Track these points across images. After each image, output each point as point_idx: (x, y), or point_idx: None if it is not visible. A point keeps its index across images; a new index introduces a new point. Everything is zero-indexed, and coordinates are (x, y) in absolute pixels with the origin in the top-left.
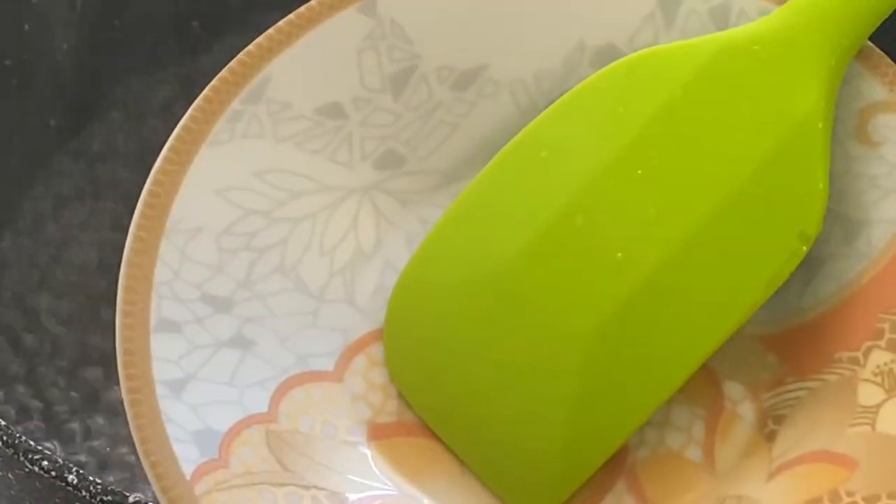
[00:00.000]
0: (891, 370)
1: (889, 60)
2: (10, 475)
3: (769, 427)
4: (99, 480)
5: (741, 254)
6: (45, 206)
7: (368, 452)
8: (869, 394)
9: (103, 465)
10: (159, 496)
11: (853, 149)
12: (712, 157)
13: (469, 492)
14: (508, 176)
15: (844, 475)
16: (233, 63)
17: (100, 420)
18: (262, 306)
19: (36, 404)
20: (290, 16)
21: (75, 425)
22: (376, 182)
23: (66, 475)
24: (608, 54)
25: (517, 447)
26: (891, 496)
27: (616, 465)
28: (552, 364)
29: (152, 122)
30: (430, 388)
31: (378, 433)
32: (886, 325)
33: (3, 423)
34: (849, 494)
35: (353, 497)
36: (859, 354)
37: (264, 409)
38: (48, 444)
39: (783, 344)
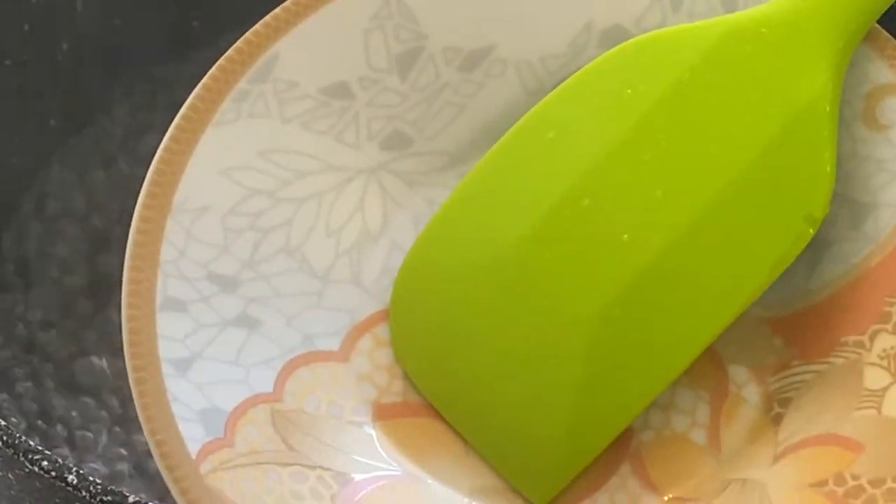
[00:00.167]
0: None
1: None
2: (10, 475)
3: (775, 410)
4: (99, 480)
5: (747, 236)
6: (45, 206)
7: (373, 433)
8: (875, 377)
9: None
10: (164, 474)
11: (861, 132)
12: (719, 140)
13: (474, 472)
14: (515, 157)
15: (850, 458)
16: (239, 43)
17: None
18: (267, 286)
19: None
20: None
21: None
22: (383, 163)
23: (66, 475)
24: (615, 36)
25: (522, 429)
26: None
27: (621, 447)
28: (557, 346)
29: (153, 122)
30: (435, 369)
31: (383, 413)
32: (893, 309)
33: (2, 423)
34: (854, 478)
35: (358, 477)
36: (865, 338)
37: (270, 388)
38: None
39: (789, 327)
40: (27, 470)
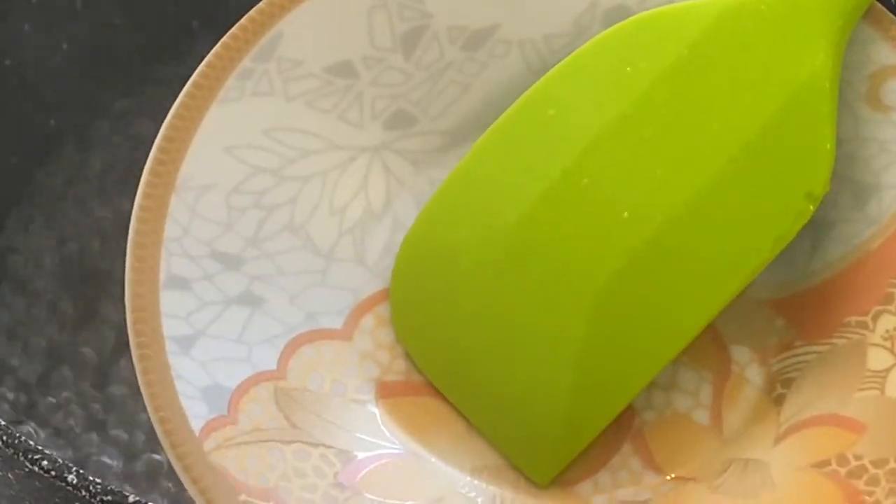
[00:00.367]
0: None
1: None
2: (10, 475)
3: (777, 391)
4: (98, 480)
5: (748, 214)
6: (45, 206)
7: (376, 411)
8: (878, 358)
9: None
10: (168, 452)
11: (864, 113)
12: (719, 117)
13: (476, 451)
14: (515, 135)
15: (852, 439)
16: (243, 20)
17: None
18: (270, 264)
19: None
20: None
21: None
22: (386, 142)
23: (66, 475)
24: (619, 15)
25: (522, 408)
26: None
27: (623, 427)
28: (557, 325)
29: (153, 122)
30: (436, 348)
31: (386, 392)
32: None
33: (2, 423)
34: (857, 458)
35: (360, 455)
36: (868, 319)
37: (273, 366)
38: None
39: (792, 308)
40: (27, 470)
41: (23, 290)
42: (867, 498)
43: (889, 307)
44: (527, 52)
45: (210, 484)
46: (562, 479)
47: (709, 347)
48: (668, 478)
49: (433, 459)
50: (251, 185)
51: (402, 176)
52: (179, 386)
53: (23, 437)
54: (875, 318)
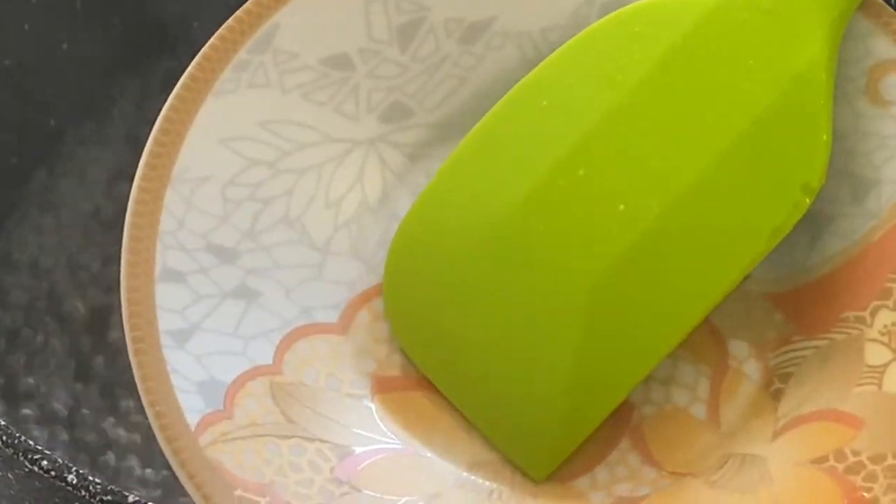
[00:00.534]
0: None
1: None
2: (10, 475)
3: (775, 385)
4: (98, 480)
5: (744, 205)
6: (45, 206)
7: (373, 406)
8: (876, 353)
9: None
10: (163, 446)
11: (864, 107)
12: (714, 108)
13: (473, 446)
14: (510, 124)
15: (850, 434)
16: (239, 12)
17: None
18: (266, 257)
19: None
20: None
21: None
22: (382, 134)
23: (65, 475)
24: (616, 8)
25: (519, 403)
26: None
27: (621, 422)
28: (553, 317)
29: (152, 123)
30: (431, 341)
31: (382, 387)
32: (895, 285)
33: (2, 423)
34: (854, 454)
35: (357, 450)
36: (866, 314)
37: (269, 360)
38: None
39: (790, 303)
40: (27, 470)
41: (24, 290)
42: (865, 494)
43: (887, 302)
44: (524, 46)
45: (206, 479)
46: (559, 474)
47: (707, 342)
48: (666, 472)
49: (430, 455)
50: (247, 177)
51: (398, 169)
52: (175, 380)
53: (23, 437)
54: (873, 314)
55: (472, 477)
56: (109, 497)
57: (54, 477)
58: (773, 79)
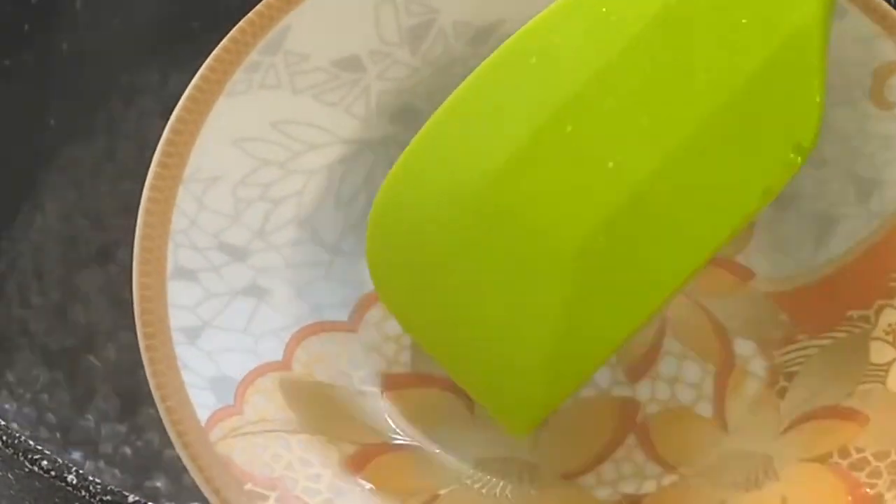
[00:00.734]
0: None
1: None
2: (10, 475)
3: (780, 384)
4: (98, 480)
5: (735, 164)
6: (45, 206)
7: (381, 402)
8: (880, 351)
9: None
10: (175, 441)
11: (868, 109)
12: (706, 66)
13: (480, 442)
14: (497, 82)
15: (854, 431)
16: (251, 14)
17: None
18: (277, 256)
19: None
20: None
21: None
22: (392, 136)
23: (65, 475)
24: None
25: (502, 360)
26: None
27: (627, 419)
28: (537, 275)
29: (152, 123)
30: (415, 299)
31: (391, 383)
32: None
33: (2, 422)
34: (858, 450)
35: (366, 446)
36: (871, 313)
37: (279, 357)
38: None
39: (795, 302)
40: (27, 470)
41: (25, 290)
42: (869, 490)
43: (891, 301)
44: None
45: (216, 473)
46: (565, 470)
47: (712, 341)
48: (672, 470)
49: (438, 451)
50: (258, 177)
51: None
52: (186, 376)
53: (23, 437)
54: (878, 313)
55: (480, 473)
56: (109, 497)
57: (54, 477)
58: (767, 38)
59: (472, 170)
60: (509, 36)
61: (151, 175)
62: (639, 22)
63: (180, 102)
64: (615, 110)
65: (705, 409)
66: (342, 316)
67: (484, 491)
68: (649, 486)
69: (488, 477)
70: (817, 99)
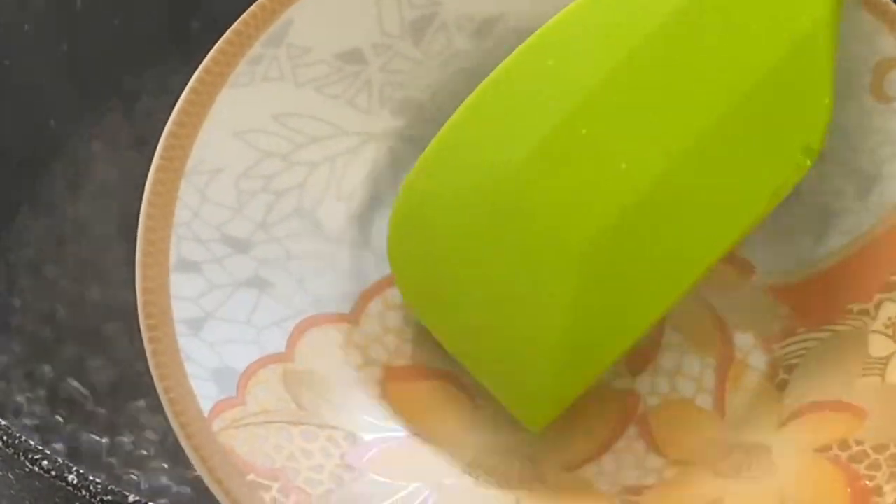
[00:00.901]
0: None
1: None
2: (10, 475)
3: (780, 377)
4: (98, 480)
5: (745, 166)
6: (45, 205)
7: (383, 394)
8: (880, 345)
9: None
10: (177, 431)
11: (868, 104)
12: (717, 69)
13: (481, 434)
14: (513, 85)
15: (854, 424)
16: (254, 7)
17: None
18: (279, 248)
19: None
20: None
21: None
22: (395, 128)
23: (66, 475)
24: None
25: (517, 355)
26: None
27: (627, 411)
28: (552, 272)
29: (152, 122)
30: (433, 295)
31: (393, 376)
32: None
33: (2, 422)
34: (858, 443)
35: (367, 437)
36: (871, 306)
37: (281, 348)
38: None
39: (795, 296)
40: (27, 470)
41: (25, 290)
42: (868, 482)
43: (891, 295)
44: None
45: (218, 463)
46: (566, 461)
47: (713, 334)
48: (672, 462)
49: (440, 442)
50: (260, 169)
51: (410, 162)
52: (189, 367)
53: (23, 437)
54: (877, 306)
55: (481, 464)
56: (109, 497)
57: (54, 477)
58: (777, 41)
59: (490, 169)
60: (511, 30)
61: (154, 167)
62: (651, 25)
63: (183, 94)
64: (628, 112)
65: (705, 402)
66: (344, 308)
67: (484, 482)
68: (650, 478)
69: (491, 467)
70: (826, 101)
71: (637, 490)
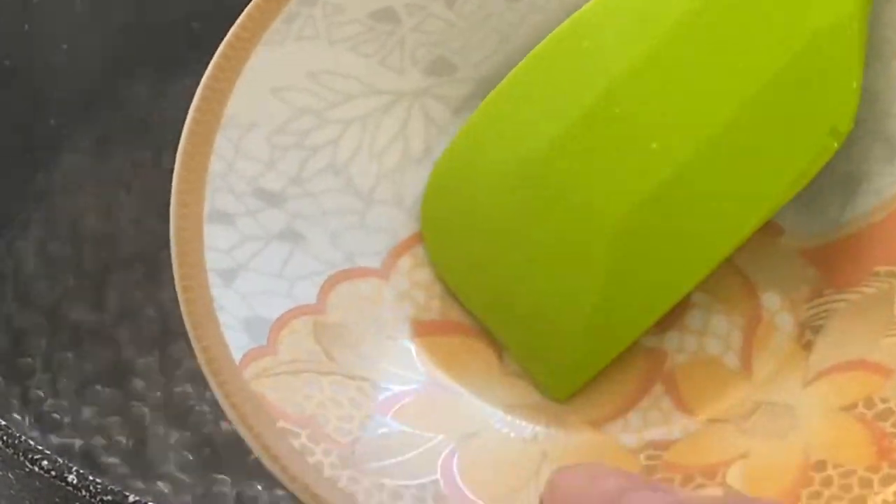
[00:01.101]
0: None
1: None
2: (10, 475)
3: (806, 337)
4: (99, 480)
5: (773, 147)
6: (45, 205)
7: (411, 348)
8: None
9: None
10: (210, 380)
11: None
12: (748, 50)
13: (510, 388)
14: (549, 65)
15: (879, 383)
16: None
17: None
18: (312, 203)
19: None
20: None
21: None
22: (426, 88)
23: (65, 475)
24: None
25: (546, 327)
26: None
27: (654, 368)
28: (582, 248)
29: (152, 122)
30: (465, 268)
31: (421, 330)
32: None
33: (2, 422)
34: (883, 401)
35: (395, 388)
36: None
37: (313, 300)
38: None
39: (823, 257)
40: (27, 469)
41: (25, 290)
42: (894, 440)
43: None
44: (567, 3)
45: (249, 410)
46: (593, 418)
47: (740, 294)
48: (698, 419)
49: (467, 396)
50: (295, 125)
51: (441, 122)
52: (221, 317)
53: (23, 437)
54: None
55: (510, 418)
56: (109, 497)
57: (54, 477)
58: (808, 23)
59: (525, 147)
60: None
61: (190, 120)
62: (685, 9)
63: (219, 49)
64: (661, 93)
65: (732, 361)
66: (374, 263)
67: (512, 435)
68: (675, 434)
69: (517, 421)
70: (854, 85)
71: (663, 445)
